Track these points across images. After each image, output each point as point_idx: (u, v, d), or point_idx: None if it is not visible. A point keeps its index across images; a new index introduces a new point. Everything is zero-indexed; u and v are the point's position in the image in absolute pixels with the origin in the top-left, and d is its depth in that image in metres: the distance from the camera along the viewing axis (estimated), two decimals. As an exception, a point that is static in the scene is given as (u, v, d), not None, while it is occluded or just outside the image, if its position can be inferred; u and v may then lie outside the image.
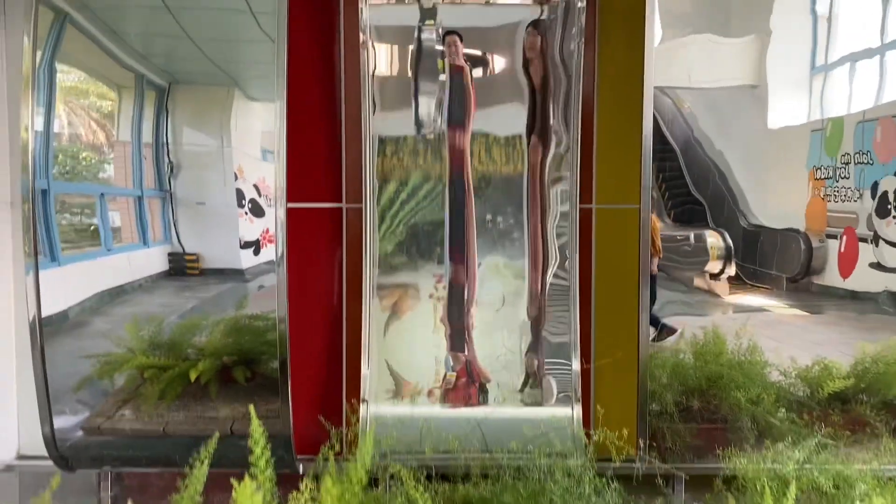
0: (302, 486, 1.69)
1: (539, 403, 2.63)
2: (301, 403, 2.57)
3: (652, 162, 2.52)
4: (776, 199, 3.06)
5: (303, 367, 2.60)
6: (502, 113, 2.68)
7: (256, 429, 1.64)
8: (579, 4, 2.45)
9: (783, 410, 2.67)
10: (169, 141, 2.79)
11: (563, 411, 2.51)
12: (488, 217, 2.67)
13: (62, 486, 2.65)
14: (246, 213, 2.81)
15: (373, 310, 2.64)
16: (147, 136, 2.78)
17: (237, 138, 2.79)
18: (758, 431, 2.64)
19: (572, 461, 1.93)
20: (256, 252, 2.82)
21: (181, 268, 2.81)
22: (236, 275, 2.83)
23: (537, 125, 2.65)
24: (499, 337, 2.71)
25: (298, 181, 2.60)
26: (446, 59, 2.63)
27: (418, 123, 2.68)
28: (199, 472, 1.63)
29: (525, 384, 2.68)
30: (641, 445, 2.21)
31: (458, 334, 2.71)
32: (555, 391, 2.62)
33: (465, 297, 2.70)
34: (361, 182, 2.61)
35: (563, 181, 2.63)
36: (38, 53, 2.48)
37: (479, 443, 2.38)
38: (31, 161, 2.39)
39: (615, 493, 1.83)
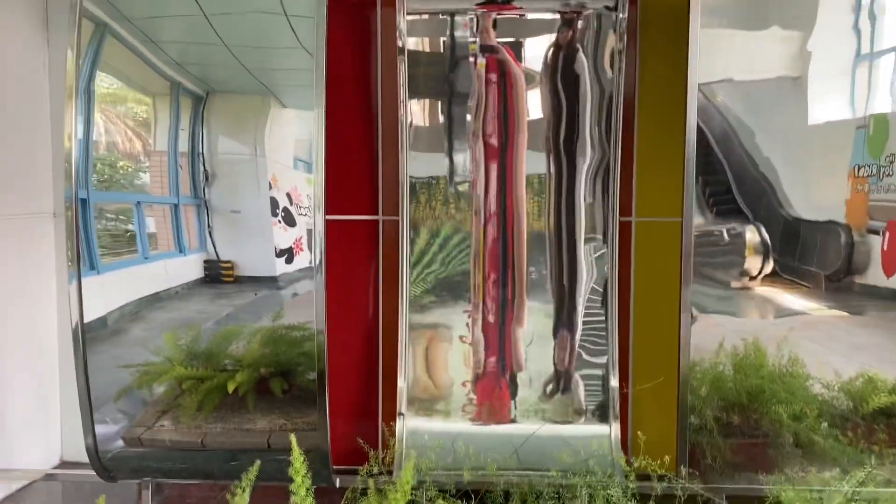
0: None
1: (567, 413, 2.61)
2: (337, 415, 2.58)
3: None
4: (816, 194, 2.95)
5: (339, 378, 2.61)
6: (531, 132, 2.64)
7: (297, 458, 1.64)
8: (620, 15, 2.40)
9: (825, 425, 2.60)
10: (204, 150, 2.81)
11: (601, 430, 2.48)
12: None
13: (101, 494, 2.71)
14: (280, 222, 2.83)
15: (409, 321, 2.64)
16: (183, 144, 2.80)
17: (270, 147, 2.80)
18: (800, 447, 2.57)
19: (613, 489, 1.90)
20: (289, 261, 2.84)
21: (216, 275, 2.83)
22: (270, 282, 2.85)
23: (569, 137, 2.60)
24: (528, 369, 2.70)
25: (335, 192, 2.60)
26: (478, 41, 2.58)
27: (450, 133, 2.66)
28: (241, 500, 1.63)
29: (554, 391, 2.65)
30: (683, 472, 2.16)
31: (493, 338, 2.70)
32: (584, 403, 2.60)
33: (508, 308, 2.67)
34: (398, 194, 2.60)
35: (597, 193, 2.59)
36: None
37: (515, 461, 2.35)
38: (73, 171, 2.41)
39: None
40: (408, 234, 2.61)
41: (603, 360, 2.60)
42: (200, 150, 2.81)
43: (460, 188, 2.66)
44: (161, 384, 2.75)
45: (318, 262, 2.55)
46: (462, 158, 2.66)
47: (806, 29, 2.71)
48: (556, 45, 2.58)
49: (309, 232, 2.84)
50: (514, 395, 2.67)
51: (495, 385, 2.68)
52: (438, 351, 2.72)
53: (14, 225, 2.70)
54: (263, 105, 2.81)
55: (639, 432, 2.19)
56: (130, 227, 2.83)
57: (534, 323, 2.67)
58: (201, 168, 2.81)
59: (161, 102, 2.82)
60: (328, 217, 2.56)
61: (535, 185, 2.65)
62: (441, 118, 2.66)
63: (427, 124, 2.66)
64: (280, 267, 2.84)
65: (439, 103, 2.66)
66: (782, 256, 2.84)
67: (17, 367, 2.72)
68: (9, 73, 2.66)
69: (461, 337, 2.70)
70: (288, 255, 2.85)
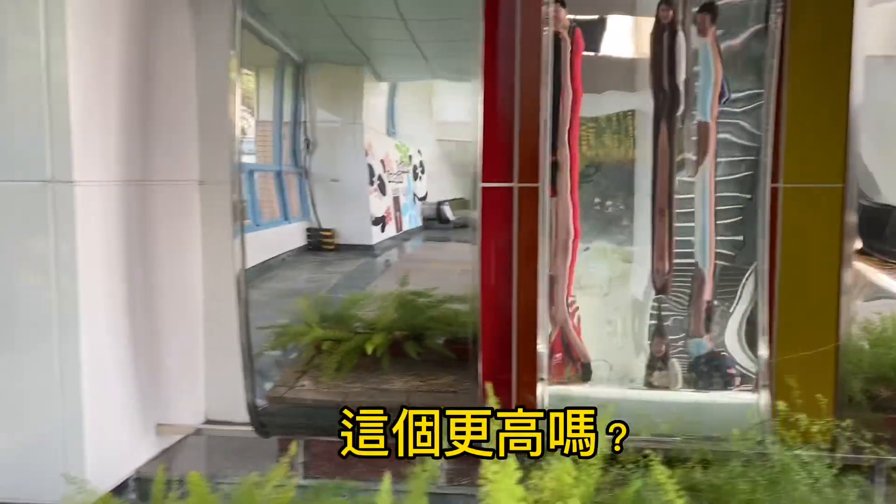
0: (543, 464, 1.73)
1: (667, 387, 2.57)
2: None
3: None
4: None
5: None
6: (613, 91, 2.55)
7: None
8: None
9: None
10: (306, 118, 2.85)
11: (748, 398, 2.45)
12: (597, 200, 2.57)
13: (246, 450, 2.83)
14: (375, 190, 2.87)
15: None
16: (286, 113, 2.85)
17: (367, 115, 2.83)
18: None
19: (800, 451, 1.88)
20: (383, 229, 2.87)
21: (317, 243, 2.88)
22: (367, 250, 2.91)
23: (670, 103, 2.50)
24: (608, 320, 2.64)
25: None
26: (549, 29, 2.48)
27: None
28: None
29: (652, 368, 2.62)
30: (868, 437, 2.12)
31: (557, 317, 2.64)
32: (730, 372, 2.54)
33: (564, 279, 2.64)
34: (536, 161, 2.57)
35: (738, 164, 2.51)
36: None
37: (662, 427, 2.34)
38: (236, 146, 2.48)
39: (854, 486, 1.78)
40: (549, 203, 2.57)
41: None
42: (303, 119, 2.85)
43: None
44: (299, 345, 2.84)
45: (476, 228, 2.55)
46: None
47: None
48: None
49: (396, 200, 2.89)
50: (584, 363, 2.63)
51: (560, 352, 2.63)
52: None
53: (164, 191, 2.81)
54: (360, 74, 2.84)
55: (819, 395, 2.15)
56: (244, 198, 2.88)
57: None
58: (303, 136, 2.85)
59: (265, 72, 2.87)
60: (485, 185, 2.56)
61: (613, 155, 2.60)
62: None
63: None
64: (376, 235, 2.89)
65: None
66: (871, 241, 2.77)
67: (170, 330, 2.86)
68: (161, 46, 2.74)
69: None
70: (382, 223, 2.89)
